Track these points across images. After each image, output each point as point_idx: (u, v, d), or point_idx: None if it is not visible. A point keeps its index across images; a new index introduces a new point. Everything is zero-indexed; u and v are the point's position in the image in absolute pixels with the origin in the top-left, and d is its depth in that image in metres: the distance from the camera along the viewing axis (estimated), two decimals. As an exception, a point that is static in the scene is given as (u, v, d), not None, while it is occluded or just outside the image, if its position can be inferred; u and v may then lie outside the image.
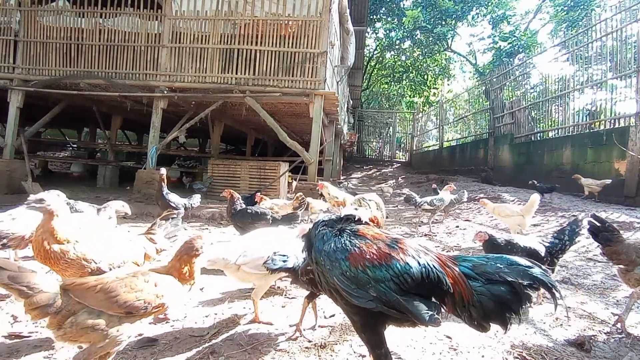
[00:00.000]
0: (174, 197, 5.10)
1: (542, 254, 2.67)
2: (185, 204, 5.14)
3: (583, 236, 4.82)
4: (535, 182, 7.54)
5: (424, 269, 1.43)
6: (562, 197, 7.70)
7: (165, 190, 5.06)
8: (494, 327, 1.43)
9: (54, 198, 2.15)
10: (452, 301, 1.43)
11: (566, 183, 7.84)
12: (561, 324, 2.50)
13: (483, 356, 2.09)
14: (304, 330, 2.31)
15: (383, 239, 1.54)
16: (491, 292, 1.40)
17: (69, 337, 1.50)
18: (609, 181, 6.75)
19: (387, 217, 7.36)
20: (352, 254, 1.48)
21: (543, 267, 1.44)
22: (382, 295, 1.39)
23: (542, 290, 1.42)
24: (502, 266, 1.44)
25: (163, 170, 5.25)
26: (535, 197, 4.64)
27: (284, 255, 2.18)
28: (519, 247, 2.71)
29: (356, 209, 4.84)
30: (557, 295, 1.38)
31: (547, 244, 2.76)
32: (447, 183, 7.13)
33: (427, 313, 1.37)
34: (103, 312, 1.55)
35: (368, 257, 1.46)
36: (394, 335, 2.21)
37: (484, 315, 1.40)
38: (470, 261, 1.52)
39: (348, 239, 1.55)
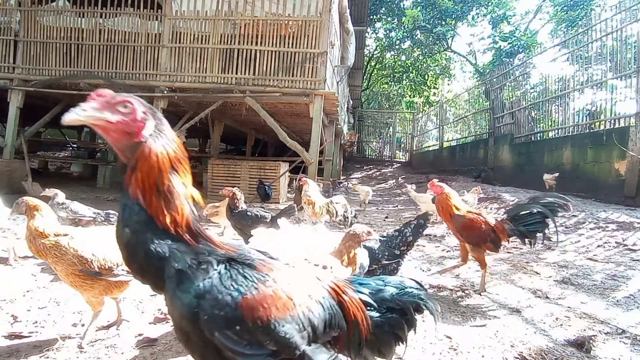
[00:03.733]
0: None
1: (375, 249, 2.57)
2: None
3: (583, 236, 4.87)
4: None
5: (329, 313, 1.14)
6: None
7: None
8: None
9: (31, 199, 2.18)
10: (346, 340, 1.19)
11: (567, 183, 7.84)
12: (561, 324, 2.51)
13: (483, 356, 2.08)
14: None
15: (281, 272, 1.11)
16: (388, 323, 1.25)
17: None
18: (557, 174, 7.98)
19: (387, 217, 7.37)
20: (246, 299, 0.98)
21: (424, 287, 1.38)
22: (286, 349, 1.02)
23: (427, 312, 1.32)
24: (398, 291, 1.31)
25: None
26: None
27: None
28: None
29: (328, 210, 4.88)
30: (436, 318, 1.33)
31: (382, 239, 2.65)
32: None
33: None
34: None
35: (271, 304, 1.01)
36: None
37: (377, 350, 1.26)
38: (367, 285, 1.31)
39: (241, 272, 1.03)
